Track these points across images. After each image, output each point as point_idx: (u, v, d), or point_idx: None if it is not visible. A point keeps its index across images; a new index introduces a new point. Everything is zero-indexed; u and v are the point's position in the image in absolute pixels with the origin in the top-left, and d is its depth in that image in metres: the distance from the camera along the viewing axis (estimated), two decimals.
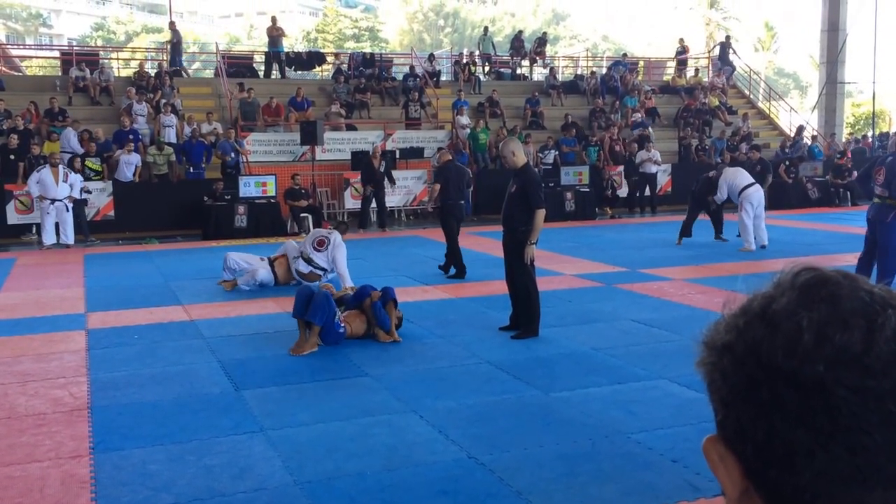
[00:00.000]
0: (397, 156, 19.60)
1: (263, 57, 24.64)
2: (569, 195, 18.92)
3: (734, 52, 28.45)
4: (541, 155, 20.21)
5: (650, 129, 22.21)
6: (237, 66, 24.26)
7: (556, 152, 20.61)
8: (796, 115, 28.72)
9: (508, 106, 23.35)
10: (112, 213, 16.83)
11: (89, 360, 7.04)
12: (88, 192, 16.27)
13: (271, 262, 10.59)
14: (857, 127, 36.53)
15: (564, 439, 5.01)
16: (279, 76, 23.54)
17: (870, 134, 28.37)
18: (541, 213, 7.38)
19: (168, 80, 20.84)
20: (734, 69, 27.94)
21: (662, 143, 22.49)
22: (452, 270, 11.02)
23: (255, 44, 52.01)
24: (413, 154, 19.76)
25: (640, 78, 27.39)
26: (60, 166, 15.17)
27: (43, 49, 42.98)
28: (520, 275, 7.56)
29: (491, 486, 4.34)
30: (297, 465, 4.66)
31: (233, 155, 18.20)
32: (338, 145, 19.84)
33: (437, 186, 11.14)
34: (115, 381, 6.38)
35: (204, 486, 4.39)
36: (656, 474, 4.47)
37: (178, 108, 19.68)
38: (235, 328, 8.22)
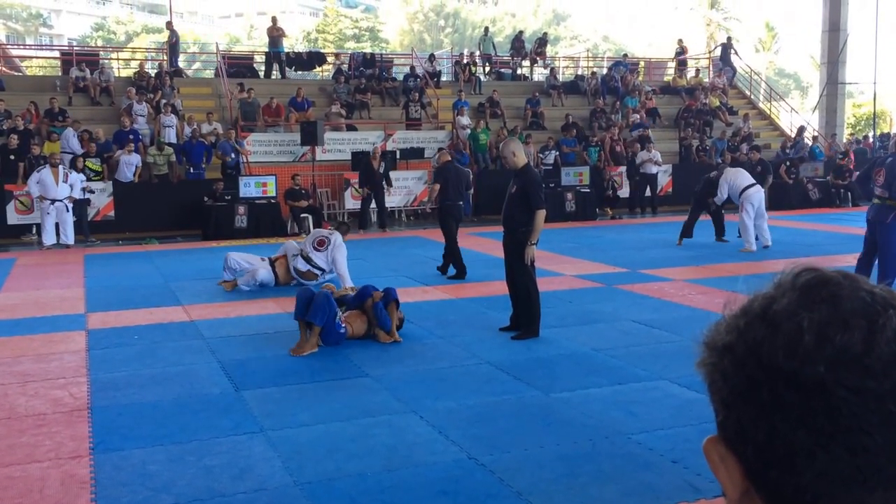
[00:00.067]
0: (398, 156, 19.62)
1: (264, 57, 24.64)
2: (569, 196, 18.92)
3: (736, 53, 28.45)
4: (541, 155, 20.21)
5: (649, 129, 22.17)
6: (237, 66, 24.27)
7: (557, 153, 20.61)
8: (797, 115, 28.72)
9: (509, 106, 23.35)
10: (112, 213, 16.83)
11: (89, 361, 7.04)
12: (91, 191, 16.28)
13: (272, 263, 10.60)
14: (857, 127, 36.53)
15: (565, 440, 5.00)
16: (279, 76, 23.55)
17: (871, 134, 28.36)
18: (541, 214, 7.37)
19: (168, 81, 20.85)
20: (735, 72, 27.93)
21: (663, 143, 22.50)
22: (452, 271, 11.02)
23: (256, 44, 52.04)
24: (413, 154, 19.77)
25: (640, 78, 27.40)
26: (60, 166, 15.17)
27: (43, 49, 43.00)
28: (520, 275, 7.56)
29: (491, 487, 4.34)
30: (298, 465, 4.65)
31: (233, 155, 18.20)
32: (338, 146, 19.85)
33: (437, 186, 11.14)
34: (115, 382, 6.37)
35: (204, 487, 4.38)
36: (657, 475, 4.47)
37: (179, 109, 19.68)
38: (235, 328, 8.22)
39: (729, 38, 29.95)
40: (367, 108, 22.01)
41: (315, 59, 26.35)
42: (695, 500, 4.14)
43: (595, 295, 9.69)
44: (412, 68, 24.43)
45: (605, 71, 27.26)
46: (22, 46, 48.46)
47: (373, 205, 17.60)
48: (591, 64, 31.65)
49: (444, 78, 25.54)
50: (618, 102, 24.11)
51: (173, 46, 23.48)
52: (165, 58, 23.72)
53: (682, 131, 23.39)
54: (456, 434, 5.10)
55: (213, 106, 21.09)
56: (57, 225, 15.05)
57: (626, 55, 29.71)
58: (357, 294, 7.89)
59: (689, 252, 12.99)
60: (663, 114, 24.63)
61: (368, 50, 44.79)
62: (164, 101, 19.60)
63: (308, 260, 10.37)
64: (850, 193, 21.37)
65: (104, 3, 75.87)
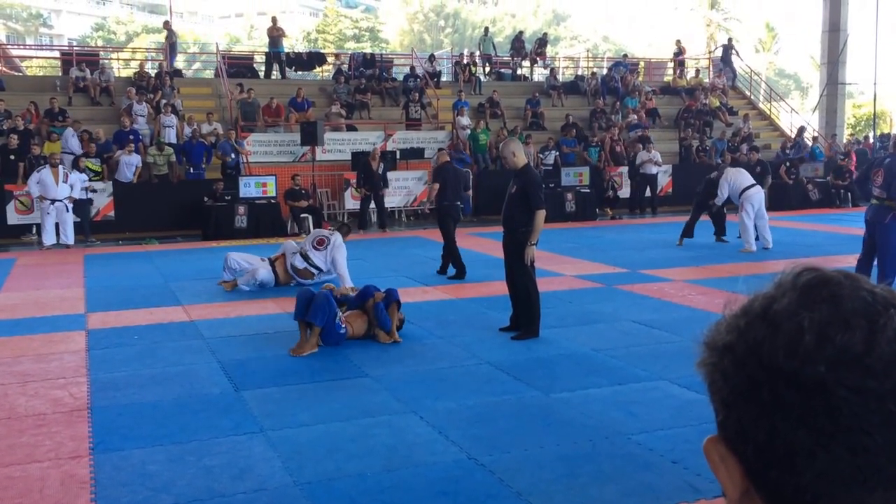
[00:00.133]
0: (398, 156, 19.61)
1: (264, 57, 24.64)
2: (569, 196, 18.91)
3: (737, 54, 28.44)
4: (541, 156, 20.21)
5: (646, 130, 22.13)
6: (237, 66, 24.27)
7: (557, 153, 20.61)
8: (797, 116, 28.73)
9: (509, 106, 23.35)
10: (112, 213, 16.83)
11: (89, 361, 7.04)
12: (94, 190, 16.29)
13: (272, 263, 10.60)
14: (857, 128, 36.54)
15: (565, 440, 5.00)
16: (279, 76, 23.55)
17: (871, 135, 28.37)
18: (541, 214, 7.37)
19: (168, 81, 20.84)
20: (735, 75, 27.93)
21: (663, 144, 22.50)
22: (451, 271, 11.02)
23: (256, 44, 52.04)
24: (413, 155, 19.76)
25: (640, 79, 27.40)
26: (60, 166, 15.17)
27: (43, 49, 43.01)
28: (520, 275, 7.56)
29: (491, 487, 4.34)
30: (297, 465, 4.65)
31: (233, 155, 18.20)
32: (338, 146, 19.84)
33: (437, 186, 11.14)
34: (115, 382, 6.37)
35: (204, 487, 4.38)
36: (657, 475, 4.47)
37: (179, 109, 19.68)
38: (235, 329, 8.22)
39: (730, 40, 29.94)
40: (367, 108, 22.01)
41: (315, 59, 26.35)
42: (695, 500, 4.14)
43: (595, 295, 9.69)
44: (412, 68, 24.43)
45: (605, 71, 27.26)
46: (22, 46, 48.46)
47: (372, 205, 17.60)
48: (591, 64, 31.66)
49: (444, 78, 25.54)
50: (618, 103, 24.11)
51: (172, 46, 23.48)
52: (165, 58, 23.70)
53: (682, 132, 23.39)
54: (456, 434, 5.10)
55: (213, 106, 21.08)
56: (57, 225, 15.05)
57: (626, 55, 29.71)
58: (358, 294, 7.89)
59: (689, 252, 12.99)
60: (663, 114, 24.63)
61: (368, 50, 44.80)
62: (164, 101, 19.60)
63: (306, 258, 10.38)
64: (850, 194, 21.37)
65: (104, 4, 75.87)
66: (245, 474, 4.55)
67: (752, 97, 28.19)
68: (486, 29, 30.32)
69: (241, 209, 16.50)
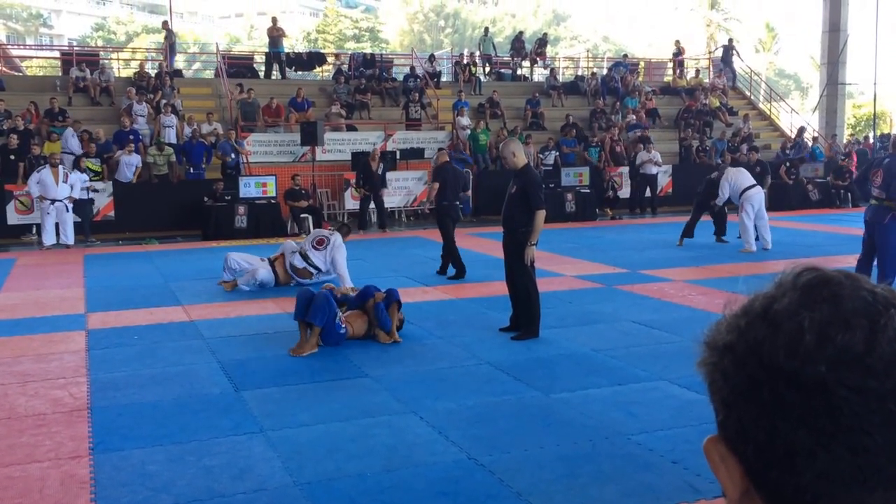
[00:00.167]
0: (398, 156, 19.61)
1: (264, 57, 24.64)
2: (569, 196, 18.91)
3: (738, 55, 28.44)
4: (541, 156, 20.21)
5: (644, 130, 22.11)
6: (237, 66, 24.27)
7: (557, 153, 20.61)
8: (797, 116, 28.73)
9: (509, 107, 23.35)
10: (112, 213, 16.83)
11: (89, 361, 7.04)
12: (96, 190, 16.31)
13: (271, 263, 10.60)
14: (857, 128, 36.54)
15: (565, 440, 5.00)
16: (279, 77, 23.55)
17: (871, 135, 28.37)
18: (541, 214, 7.37)
19: (168, 81, 20.84)
20: (735, 76, 27.93)
21: (663, 144, 22.49)
22: (451, 271, 11.02)
23: (256, 44, 52.05)
24: (413, 155, 19.76)
25: (640, 79, 27.40)
26: (60, 167, 15.17)
27: (43, 49, 43.02)
28: (520, 276, 7.56)
29: (491, 488, 4.34)
30: (297, 465, 4.65)
31: (233, 155, 18.20)
32: (338, 146, 19.84)
33: (437, 185, 11.15)
34: (115, 382, 6.37)
35: (204, 487, 4.38)
36: (657, 476, 4.46)
37: (179, 109, 19.68)
38: (235, 329, 8.22)
39: (730, 40, 29.93)
40: (367, 108, 22.01)
41: (315, 59, 26.36)
42: (695, 500, 4.14)
43: (595, 295, 9.69)
44: (412, 69, 24.43)
45: (605, 71, 27.26)
46: (22, 46, 48.47)
47: (372, 205, 17.60)
48: (591, 64, 31.67)
49: (444, 78, 25.54)
50: (618, 103, 24.11)
51: (171, 47, 23.48)
52: (165, 58, 23.69)
53: (682, 132, 23.38)
54: (456, 434, 5.10)
55: (214, 106, 21.09)
56: (57, 225, 15.05)
57: (626, 56, 29.70)
58: (359, 294, 7.89)
59: (689, 253, 12.99)
60: (663, 114, 24.62)
61: (368, 50, 44.80)
62: (164, 101, 19.60)
63: (305, 258, 10.38)
64: (850, 194, 21.37)
65: (104, 4, 75.88)
66: (245, 474, 4.55)
67: (752, 97, 28.19)
68: (486, 29, 30.32)
69: (241, 209, 16.50)
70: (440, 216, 11.12)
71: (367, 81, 22.74)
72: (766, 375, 0.67)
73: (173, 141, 18.55)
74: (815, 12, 30.81)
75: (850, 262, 9.71)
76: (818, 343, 0.65)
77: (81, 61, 21.72)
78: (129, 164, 17.14)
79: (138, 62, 23.92)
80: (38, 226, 15.55)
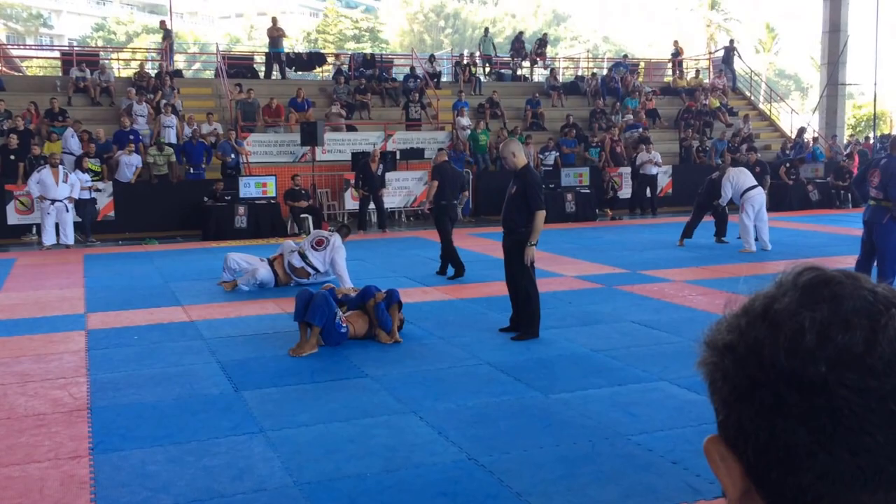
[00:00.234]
0: (398, 157, 19.61)
1: (264, 57, 24.64)
2: (569, 196, 18.91)
3: (740, 57, 28.43)
4: (541, 156, 20.20)
5: (642, 130, 22.09)
6: (238, 66, 24.27)
7: (557, 153, 20.60)
8: (797, 116, 28.73)
9: (509, 107, 23.35)
10: (112, 213, 16.83)
11: (89, 361, 7.04)
12: (98, 189, 16.31)
13: (270, 263, 10.60)
14: (857, 128, 36.55)
15: (564, 441, 5.00)
16: (279, 77, 23.55)
17: (871, 136, 28.37)
18: (541, 215, 7.37)
19: (168, 81, 20.84)
20: (735, 76, 27.92)
21: (663, 144, 22.49)
22: (451, 271, 11.02)
23: (256, 44, 52.06)
24: (413, 155, 19.76)
25: (640, 79, 27.40)
26: (60, 167, 15.17)
27: (43, 49, 43.02)
28: (520, 276, 7.55)
29: (491, 488, 4.34)
30: (297, 465, 4.65)
31: (233, 156, 18.19)
32: (338, 146, 19.84)
33: (436, 183, 11.15)
34: (115, 382, 6.37)
35: (203, 487, 4.38)
36: (656, 476, 4.46)
37: (179, 109, 19.68)
38: (235, 329, 8.22)
39: (732, 41, 29.93)
40: (367, 108, 22.01)
41: (315, 59, 26.36)
42: (694, 501, 4.14)
43: (595, 296, 9.69)
44: (412, 69, 24.43)
45: (605, 72, 27.26)
46: (22, 46, 48.48)
47: (372, 205, 17.60)
48: (591, 65, 31.67)
49: (444, 78, 25.53)
50: (618, 103, 24.11)
51: (170, 47, 23.48)
52: (165, 58, 23.69)
53: (682, 132, 23.38)
54: (455, 435, 5.10)
55: (214, 106, 21.09)
56: (57, 225, 15.05)
57: (626, 56, 29.70)
58: (359, 294, 7.89)
59: (689, 253, 12.99)
60: (663, 115, 24.62)
61: (368, 50, 44.79)
62: (164, 101, 19.59)
63: (303, 257, 10.38)
64: (850, 195, 21.37)
65: (104, 4, 75.89)
66: (245, 474, 4.55)
67: (753, 98, 28.19)
68: (487, 29, 30.31)
69: (241, 209, 16.50)
70: (438, 215, 11.12)
71: (367, 82, 22.74)
72: (767, 375, 0.67)
73: (173, 141, 18.55)
74: (815, 13, 30.83)
75: (849, 262, 9.70)
76: (819, 343, 0.65)
77: (81, 61, 21.72)
78: (130, 164, 17.14)
79: (138, 62, 23.92)
80: (38, 226, 15.55)
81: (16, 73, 26.27)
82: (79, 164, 16.13)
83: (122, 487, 4.40)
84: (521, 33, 28.54)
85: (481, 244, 13.97)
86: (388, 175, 18.06)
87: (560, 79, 26.29)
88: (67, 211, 15.06)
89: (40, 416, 5.61)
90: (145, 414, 5.61)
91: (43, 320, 8.72)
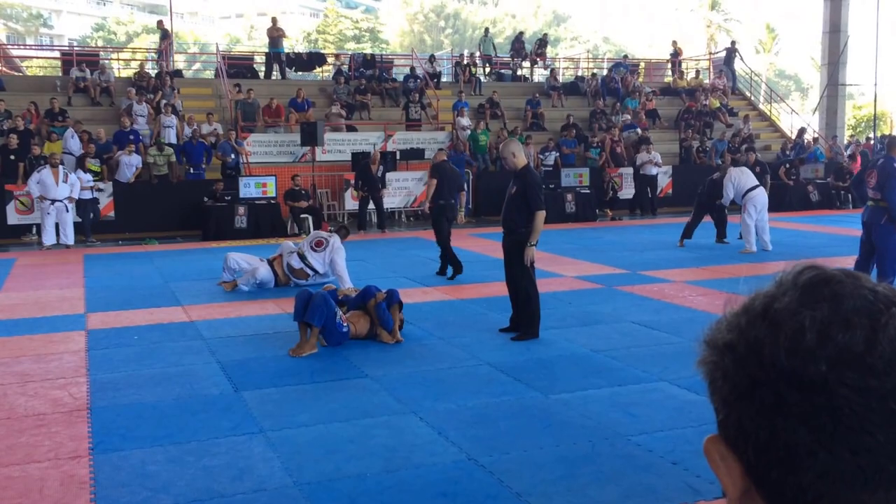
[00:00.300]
0: (398, 157, 19.60)
1: (264, 58, 24.64)
2: (569, 197, 18.91)
3: (741, 58, 28.43)
4: (541, 156, 20.20)
5: (639, 131, 22.08)
6: (238, 66, 24.27)
7: (557, 154, 20.60)
8: (798, 117, 28.73)
9: (509, 107, 23.34)
10: (112, 213, 16.83)
11: (89, 361, 7.03)
12: (100, 189, 16.32)
13: (270, 263, 10.60)
14: (858, 129, 36.54)
15: (564, 441, 5.00)
16: (279, 77, 23.54)
17: (871, 136, 28.37)
18: (541, 215, 7.36)
19: (168, 81, 20.84)
20: (735, 78, 27.91)
21: (663, 144, 22.48)
22: (451, 271, 11.01)
23: (256, 44, 52.06)
24: (413, 155, 19.76)
25: (640, 80, 27.40)
26: (60, 167, 15.18)
27: (43, 49, 43.01)
28: (520, 276, 7.55)
29: (490, 488, 4.34)
30: (297, 466, 4.65)
31: (233, 156, 18.19)
32: (338, 146, 19.84)
33: (434, 182, 11.15)
34: (115, 382, 6.37)
35: (203, 487, 4.38)
36: (656, 476, 4.46)
37: (179, 109, 19.68)
38: (235, 329, 8.22)
39: (733, 43, 29.92)
40: (367, 108, 22.01)
41: (315, 59, 26.36)
42: (694, 501, 4.14)
43: (595, 296, 9.68)
44: (412, 69, 24.43)
45: (605, 72, 27.27)
46: (22, 46, 48.48)
47: (371, 206, 17.60)
48: (591, 65, 31.67)
49: (444, 79, 25.54)
50: (618, 104, 24.11)
51: (169, 46, 23.48)
52: (163, 58, 23.68)
53: (682, 133, 23.38)
54: (455, 435, 5.10)
55: (214, 106, 21.09)
56: (57, 225, 15.06)
57: (626, 56, 29.71)
58: (360, 294, 7.89)
59: (689, 253, 12.99)
60: (663, 115, 24.62)
61: (368, 51, 44.77)
62: (164, 101, 19.60)
63: (303, 258, 10.38)
64: (850, 195, 21.36)
65: (104, 4, 75.89)
66: (245, 475, 4.55)
67: (753, 98, 28.19)
68: (487, 30, 30.31)
69: (241, 209, 16.51)
70: (435, 215, 11.12)
71: (367, 82, 22.74)
72: (767, 374, 0.67)
73: (173, 141, 18.55)
74: (815, 13, 30.83)
75: (849, 263, 9.69)
76: (819, 342, 0.65)
77: (81, 61, 21.72)
78: (130, 164, 17.14)
79: (138, 62, 23.92)
80: (38, 226, 15.56)
81: (16, 73, 26.28)
82: (81, 164, 16.14)
83: (122, 487, 4.40)
84: (521, 34, 28.55)
85: (481, 244, 13.97)
86: (388, 175, 18.05)
87: (560, 79, 26.29)
88: (67, 211, 15.06)
89: (40, 416, 5.61)
90: (145, 414, 5.61)
91: (43, 320, 8.72)
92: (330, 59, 26.60)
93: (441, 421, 5.36)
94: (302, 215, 17.09)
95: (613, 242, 14.75)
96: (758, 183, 13.18)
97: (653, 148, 20.57)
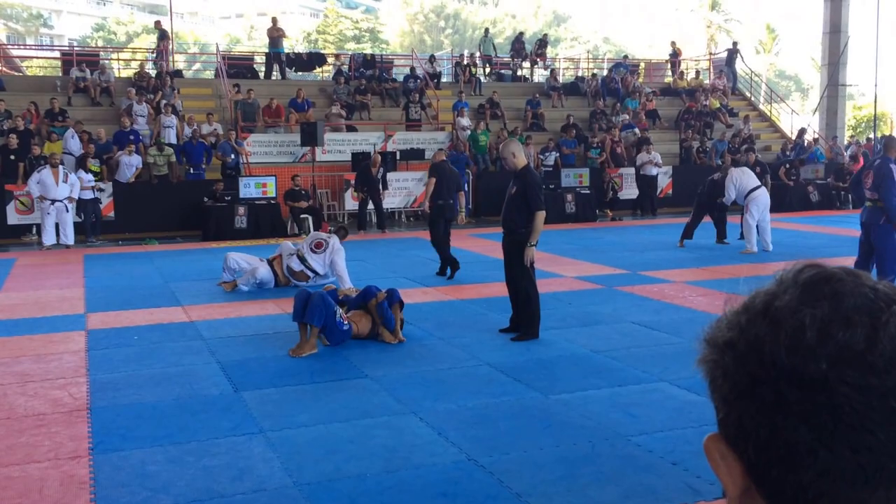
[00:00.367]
0: (398, 157, 19.60)
1: (264, 58, 24.64)
2: (569, 197, 18.91)
3: (742, 59, 28.42)
4: (541, 157, 20.20)
5: (637, 130, 22.07)
6: (238, 66, 24.27)
7: (557, 154, 20.60)
8: (798, 117, 28.73)
9: (509, 107, 23.34)
10: (112, 213, 16.84)
11: (89, 361, 7.03)
12: (101, 189, 16.32)
13: (270, 263, 10.60)
14: (858, 130, 36.54)
15: (564, 442, 4.99)
16: (279, 77, 23.55)
17: (872, 137, 28.36)
18: (541, 216, 7.36)
19: (168, 81, 20.85)
20: (736, 78, 27.91)
21: (663, 145, 22.48)
22: (449, 271, 11.00)
23: (256, 45, 52.06)
24: (413, 155, 19.76)
25: (640, 80, 27.40)
26: (60, 167, 15.18)
27: (43, 49, 43.01)
28: (520, 277, 7.55)
29: (490, 489, 4.33)
30: (297, 466, 4.65)
31: (233, 156, 18.19)
32: (338, 146, 19.84)
33: (433, 181, 11.15)
34: (115, 382, 6.37)
35: (203, 488, 4.38)
36: (656, 477, 4.46)
37: (179, 109, 19.68)
38: (235, 329, 8.21)
39: (735, 43, 29.91)
40: (367, 108, 22.01)
41: (315, 59, 26.36)
42: (694, 501, 4.14)
43: (595, 296, 9.68)
44: (412, 69, 24.43)
45: (605, 72, 27.26)
46: (22, 47, 48.49)
47: (371, 206, 17.59)
48: (591, 65, 31.67)
49: (444, 79, 25.54)
50: (618, 104, 24.11)
51: (167, 47, 23.49)
52: (162, 59, 23.67)
53: (682, 133, 23.38)
54: (455, 435, 5.10)
55: (214, 106, 21.09)
56: (57, 225, 15.06)
57: (626, 57, 29.71)
58: (360, 294, 7.89)
59: (689, 254, 12.99)
60: (663, 115, 24.62)
61: (368, 51, 44.77)
62: (164, 101, 19.60)
63: (303, 260, 10.38)
64: (850, 196, 21.37)
65: (104, 4, 75.90)
66: (244, 475, 4.55)
67: (753, 99, 28.18)
68: (487, 30, 30.31)
69: (241, 210, 16.51)
70: (433, 215, 11.12)
71: (368, 82, 22.74)
72: (767, 372, 0.67)
73: (173, 141, 18.55)
74: (815, 13, 30.83)
75: (849, 263, 9.67)
76: (819, 340, 0.65)
77: (81, 61, 21.72)
78: (130, 164, 17.15)
79: (138, 62, 23.92)
80: (38, 226, 15.56)
81: (16, 73, 26.27)
82: (82, 165, 16.14)
83: (122, 487, 4.40)
84: (521, 34, 28.55)
85: (481, 244, 13.97)
86: (388, 176, 18.05)
87: (560, 79, 26.30)
88: (67, 211, 15.06)
89: (40, 416, 5.60)
90: (145, 414, 5.61)
91: (43, 320, 8.72)
92: (330, 60, 26.60)
93: (441, 421, 5.36)
94: (302, 215, 17.09)
95: (613, 243, 14.75)
96: (759, 183, 13.18)
97: (653, 148, 20.57)
